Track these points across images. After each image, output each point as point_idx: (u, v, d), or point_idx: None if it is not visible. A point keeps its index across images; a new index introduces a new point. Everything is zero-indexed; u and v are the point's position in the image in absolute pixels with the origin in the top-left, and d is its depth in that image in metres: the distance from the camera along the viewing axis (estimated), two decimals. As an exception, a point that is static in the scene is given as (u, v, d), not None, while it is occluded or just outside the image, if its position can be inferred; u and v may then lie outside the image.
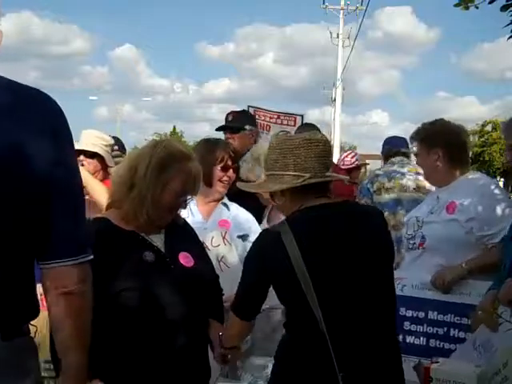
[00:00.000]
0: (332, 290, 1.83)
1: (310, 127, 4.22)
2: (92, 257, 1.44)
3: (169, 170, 1.99)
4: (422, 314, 2.64)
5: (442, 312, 2.62)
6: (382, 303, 1.89)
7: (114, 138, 4.20)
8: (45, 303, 2.48)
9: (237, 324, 2.05)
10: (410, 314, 2.65)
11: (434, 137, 2.83)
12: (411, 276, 2.67)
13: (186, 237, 2.18)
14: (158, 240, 2.07)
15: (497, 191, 2.73)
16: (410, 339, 2.61)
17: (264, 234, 2.03)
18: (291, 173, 1.89)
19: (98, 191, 2.82)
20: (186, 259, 2.07)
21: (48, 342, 2.46)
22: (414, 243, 2.77)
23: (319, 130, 4.00)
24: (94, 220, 2.15)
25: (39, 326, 2.48)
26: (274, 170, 1.94)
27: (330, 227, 1.89)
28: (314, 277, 1.79)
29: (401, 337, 2.40)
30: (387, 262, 1.97)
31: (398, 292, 2.30)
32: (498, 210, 2.64)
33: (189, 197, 2.09)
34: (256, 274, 1.97)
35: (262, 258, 1.95)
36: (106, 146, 3.52)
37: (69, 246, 1.39)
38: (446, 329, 2.60)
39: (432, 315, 2.64)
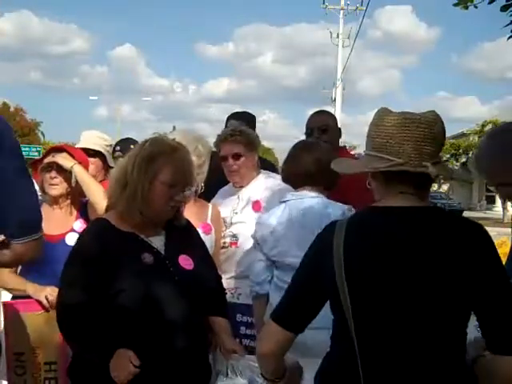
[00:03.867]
0: (371, 311, 1.53)
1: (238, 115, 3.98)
2: None
3: (155, 163, 2.00)
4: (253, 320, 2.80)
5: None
6: (436, 339, 1.52)
7: (127, 139, 4.12)
8: (50, 306, 2.49)
9: (276, 334, 1.64)
10: (245, 319, 2.87)
11: (254, 141, 3.06)
12: (245, 285, 2.81)
13: (187, 239, 2.16)
14: (158, 242, 2.06)
15: (283, 187, 2.85)
16: (245, 342, 2.81)
17: (325, 227, 1.69)
18: (381, 155, 1.56)
19: (94, 191, 2.78)
20: (185, 262, 2.05)
21: (48, 342, 2.47)
22: (225, 242, 2.96)
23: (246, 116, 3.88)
24: (94, 221, 2.16)
25: (39, 327, 2.48)
26: (368, 149, 1.62)
27: (389, 241, 1.53)
28: (353, 293, 1.52)
29: (238, 340, 2.53)
30: (466, 298, 1.50)
31: (234, 300, 2.83)
32: None
33: (188, 191, 2.07)
34: (305, 272, 1.68)
35: (312, 257, 1.67)
36: (106, 145, 3.53)
37: None
38: None
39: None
